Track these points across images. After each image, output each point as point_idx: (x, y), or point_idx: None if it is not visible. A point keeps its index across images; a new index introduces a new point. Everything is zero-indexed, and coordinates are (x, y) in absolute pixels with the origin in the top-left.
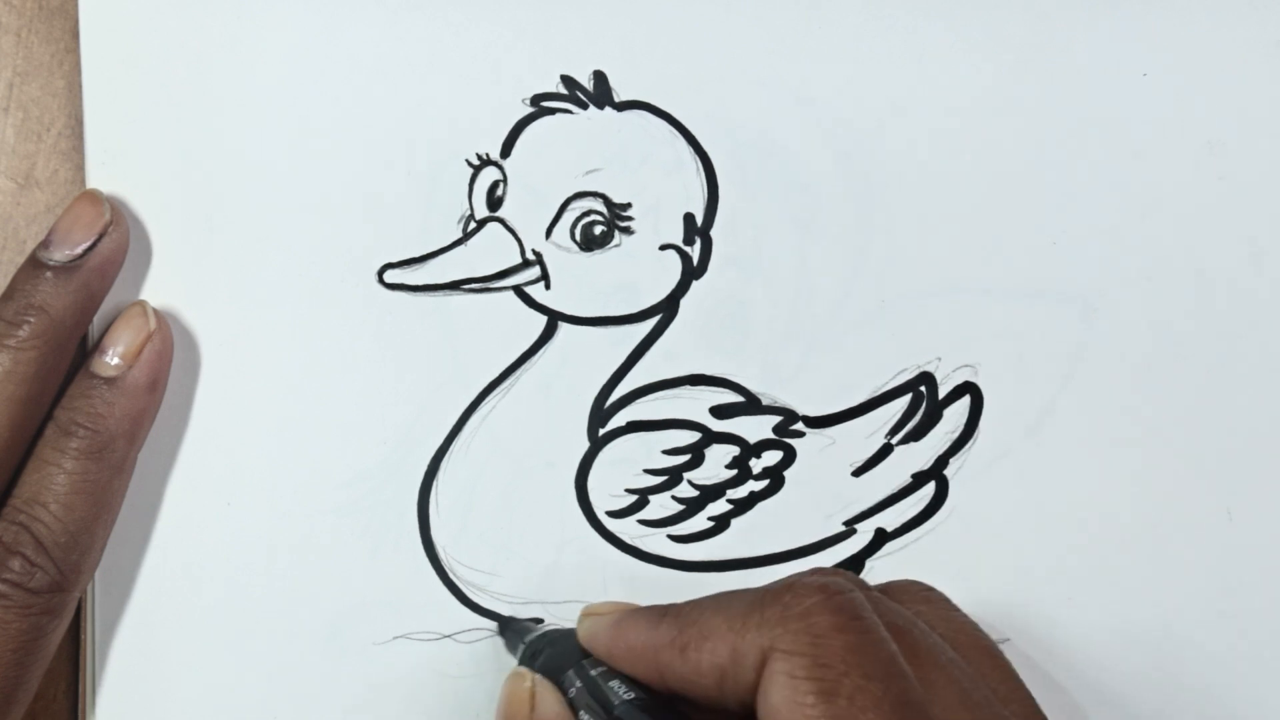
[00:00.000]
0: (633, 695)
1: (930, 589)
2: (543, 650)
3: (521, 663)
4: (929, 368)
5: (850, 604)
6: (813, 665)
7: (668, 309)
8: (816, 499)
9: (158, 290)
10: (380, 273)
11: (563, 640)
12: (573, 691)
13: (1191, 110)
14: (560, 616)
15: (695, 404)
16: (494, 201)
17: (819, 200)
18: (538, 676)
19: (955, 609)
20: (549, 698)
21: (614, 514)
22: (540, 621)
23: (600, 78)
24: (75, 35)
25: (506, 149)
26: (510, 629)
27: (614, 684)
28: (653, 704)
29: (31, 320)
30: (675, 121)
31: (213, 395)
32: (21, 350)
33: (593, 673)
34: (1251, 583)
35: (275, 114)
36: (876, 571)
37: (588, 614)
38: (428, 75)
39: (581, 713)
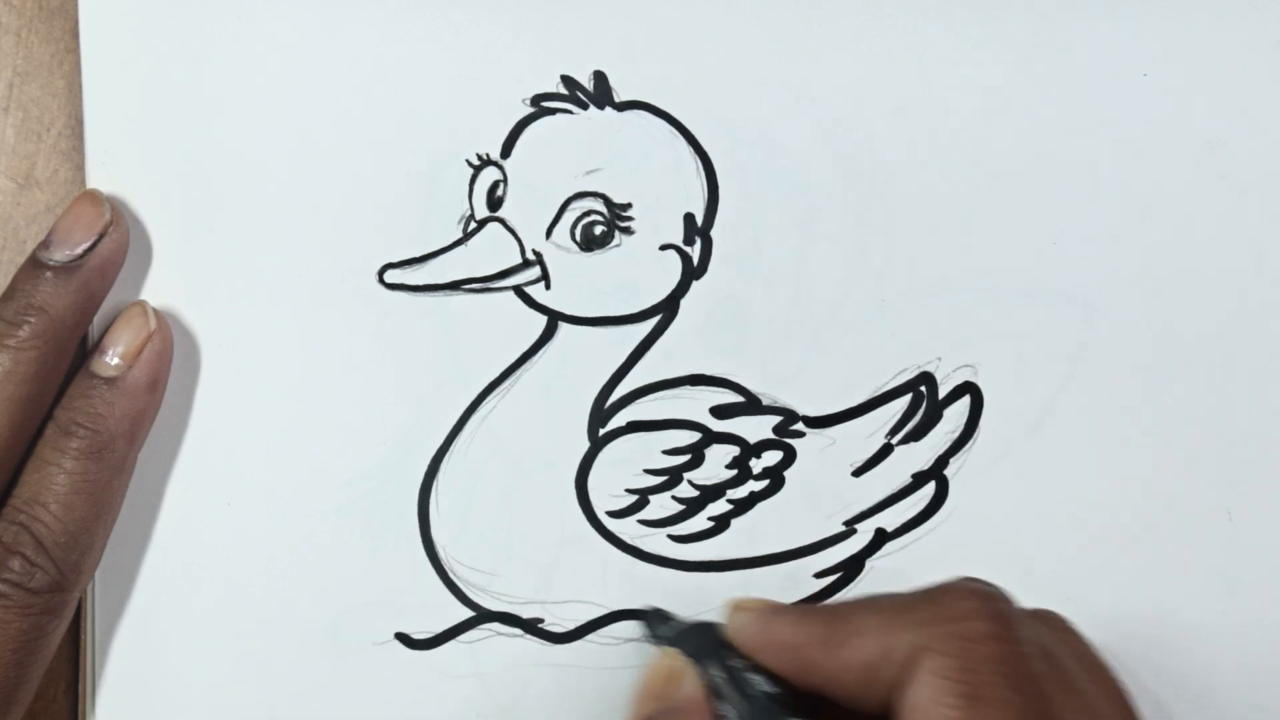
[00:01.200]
0: (773, 689)
1: (1066, 621)
2: (685, 639)
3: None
4: (929, 368)
5: (1005, 615)
6: (962, 669)
7: (668, 309)
8: (817, 499)
9: (158, 290)
10: (380, 273)
11: (705, 631)
12: (713, 680)
13: (1191, 110)
14: (561, 616)
15: (695, 404)
16: (494, 201)
17: (819, 200)
18: (684, 659)
19: (1090, 645)
20: (692, 680)
21: (614, 514)
22: (664, 614)
23: (600, 78)
24: (75, 35)
25: (507, 149)
26: (653, 618)
27: (754, 676)
28: (791, 698)
29: (32, 320)
30: (675, 121)
31: (213, 395)
32: (22, 350)
33: (733, 664)
34: (1251, 583)
35: (275, 114)
36: (876, 571)
37: (738, 608)
38: (428, 75)
39: (720, 702)
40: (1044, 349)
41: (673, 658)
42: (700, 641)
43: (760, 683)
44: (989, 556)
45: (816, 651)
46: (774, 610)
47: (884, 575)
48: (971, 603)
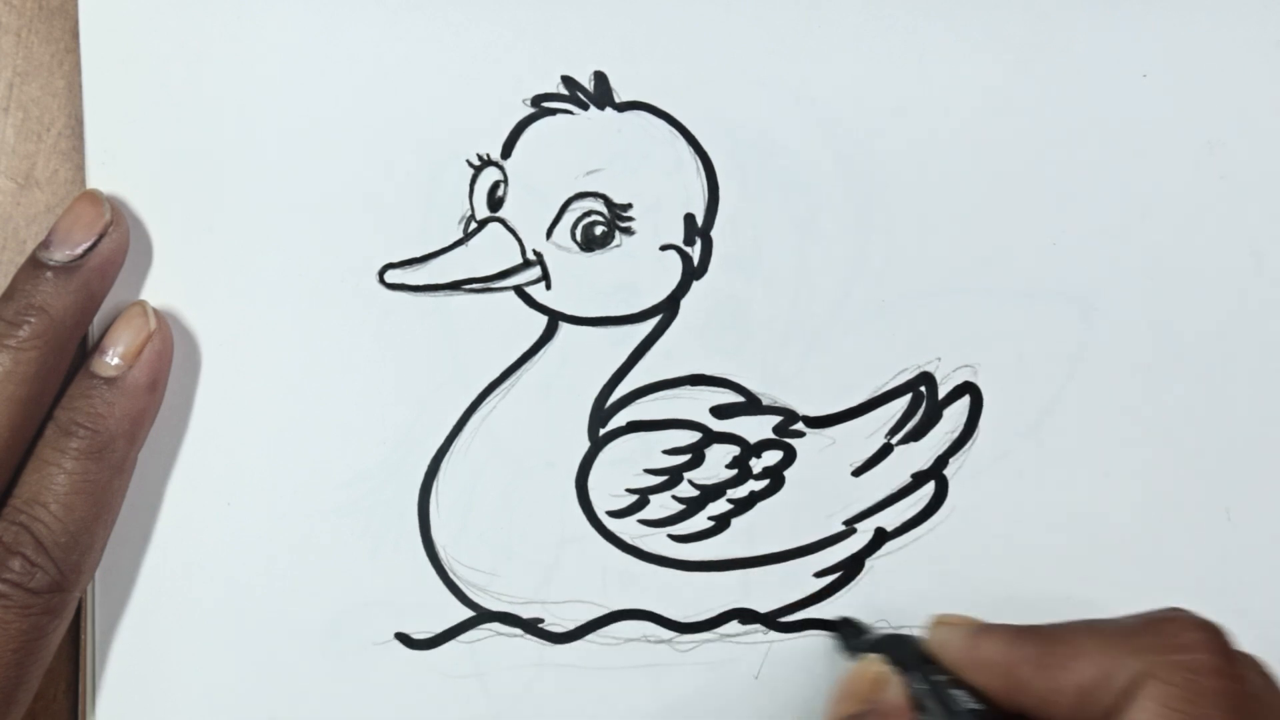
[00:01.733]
0: (979, 706)
1: (1267, 666)
2: (887, 648)
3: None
4: (929, 368)
5: (1230, 650)
6: (1186, 700)
7: (668, 309)
8: (817, 499)
9: (158, 290)
10: (381, 273)
11: (907, 644)
12: (917, 691)
13: (1191, 110)
14: (561, 616)
15: (695, 404)
16: (495, 202)
17: (819, 200)
18: (888, 667)
19: None
20: (896, 687)
21: (614, 514)
22: (859, 624)
23: (600, 78)
24: (75, 35)
25: (507, 149)
26: (850, 626)
27: (957, 692)
28: (996, 717)
29: (32, 320)
30: (675, 121)
31: (213, 395)
32: (22, 350)
33: (936, 678)
34: (1251, 583)
35: (275, 114)
36: (876, 571)
37: (942, 622)
38: (428, 75)
39: (923, 715)
40: (1044, 349)
41: (877, 664)
42: (903, 652)
43: (964, 699)
44: (989, 556)
45: (1029, 672)
46: (982, 628)
47: (884, 575)
48: (1198, 634)
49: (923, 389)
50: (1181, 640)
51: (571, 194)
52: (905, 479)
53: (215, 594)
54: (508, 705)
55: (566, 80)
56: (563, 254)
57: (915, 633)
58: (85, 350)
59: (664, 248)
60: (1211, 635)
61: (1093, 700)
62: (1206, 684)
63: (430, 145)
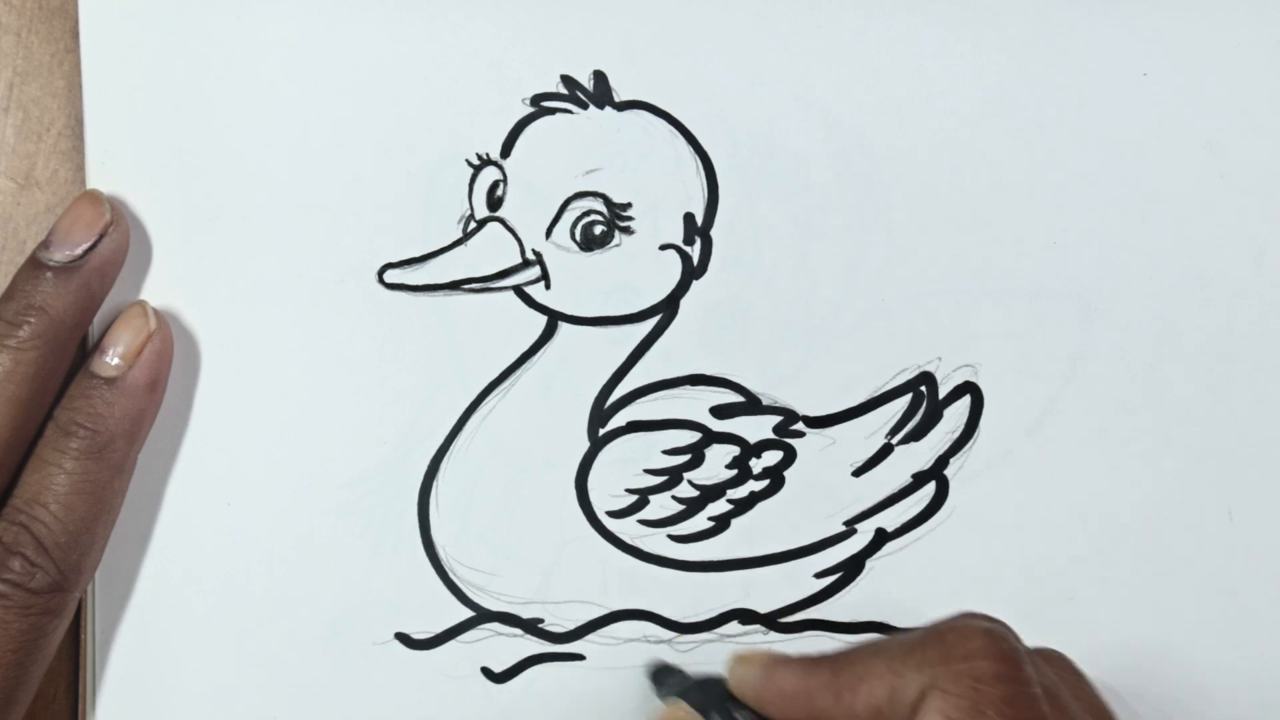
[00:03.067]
0: None
1: (1068, 660)
2: (689, 692)
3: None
4: (929, 368)
5: (1013, 654)
6: (971, 709)
7: (668, 309)
8: (817, 499)
9: (158, 290)
10: (380, 273)
11: (710, 685)
12: None
13: (1191, 110)
14: (561, 616)
15: (695, 404)
16: (494, 201)
17: (819, 200)
18: (692, 711)
19: (1092, 686)
20: None
21: (614, 514)
22: (670, 667)
23: (600, 78)
24: (75, 35)
25: (506, 149)
26: (659, 671)
27: None
28: None
29: (32, 320)
30: (675, 121)
31: (213, 395)
32: (22, 351)
33: (738, 715)
34: (1252, 583)
35: (275, 114)
36: (876, 571)
37: (740, 660)
38: (428, 75)
39: None
40: (1044, 349)
41: (679, 708)
42: (707, 694)
43: None
44: (989, 556)
45: (824, 699)
46: (777, 661)
47: (884, 575)
48: (979, 641)
49: (923, 389)
50: (964, 649)
51: (571, 193)
52: (905, 479)
53: (215, 594)
54: (508, 705)
55: (566, 80)
56: (562, 254)
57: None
58: (85, 350)
59: (664, 247)
60: (993, 641)
61: (885, 719)
62: (992, 692)
63: (430, 145)
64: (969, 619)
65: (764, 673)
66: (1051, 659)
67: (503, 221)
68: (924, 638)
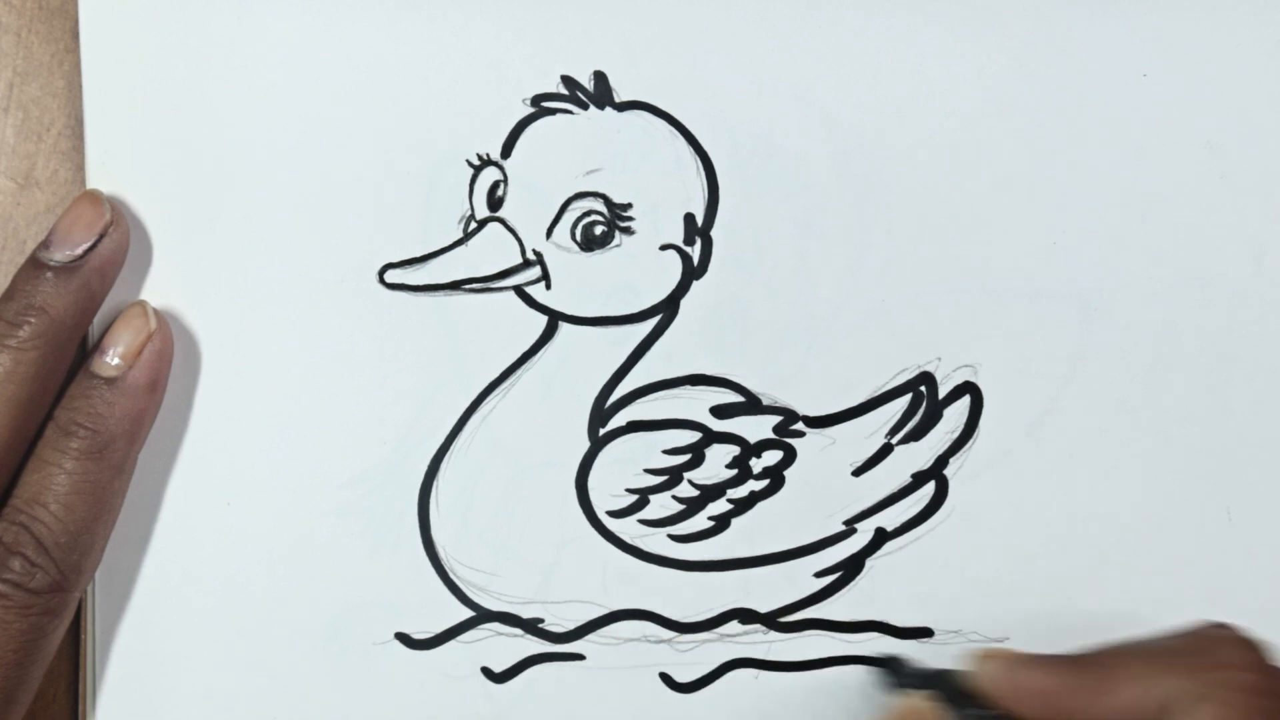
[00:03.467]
0: None
1: None
2: (933, 684)
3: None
4: (929, 368)
5: (1274, 668)
6: (1234, 719)
7: (668, 309)
8: (817, 498)
9: (158, 290)
10: (381, 273)
11: (952, 678)
12: None
13: (1191, 110)
14: (561, 616)
15: (695, 404)
16: (494, 201)
17: (819, 200)
18: (933, 704)
19: None
20: None
21: (614, 514)
22: (903, 660)
23: (600, 78)
24: (75, 35)
25: (507, 149)
26: (892, 664)
27: None
28: None
29: (32, 321)
30: (675, 121)
31: (213, 395)
32: (22, 351)
33: (980, 712)
34: (1251, 583)
35: (275, 114)
36: (876, 571)
37: (987, 657)
38: (428, 75)
39: None
40: (1044, 349)
41: (921, 700)
42: (948, 687)
43: None
44: (989, 556)
45: (1074, 699)
46: (1025, 659)
47: (884, 575)
48: (1244, 653)
49: (923, 389)
50: (1228, 659)
51: (571, 194)
52: (905, 479)
53: (215, 594)
54: (508, 705)
55: (566, 80)
56: (562, 254)
57: (958, 667)
58: (85, 350)
59: (664, 247)
60: (1256, 653)
61: None
62: (1257, 703)
63: (430, 145)
64: (1224, 629)
65: (1010, 670)
66: None
67: (503, 222)
68: (1183, 644)
